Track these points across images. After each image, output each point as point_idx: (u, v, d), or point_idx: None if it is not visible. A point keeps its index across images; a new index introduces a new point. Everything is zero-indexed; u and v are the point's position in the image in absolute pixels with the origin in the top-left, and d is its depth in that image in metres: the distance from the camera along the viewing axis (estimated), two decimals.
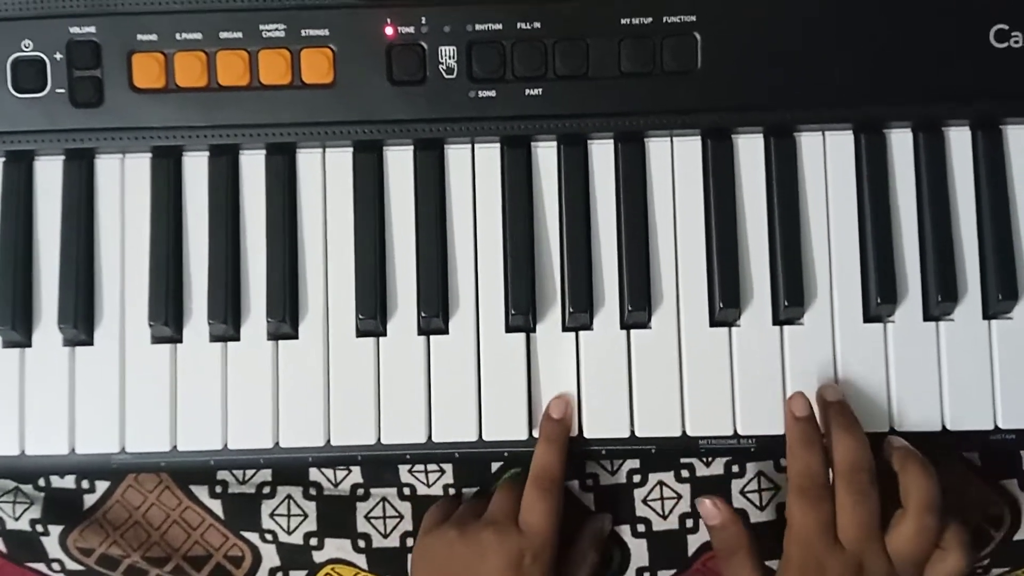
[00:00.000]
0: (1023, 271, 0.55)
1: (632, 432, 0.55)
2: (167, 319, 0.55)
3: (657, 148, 0.56)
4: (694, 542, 0.59)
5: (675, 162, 0.56)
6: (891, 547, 0.50)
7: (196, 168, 0.56)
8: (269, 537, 0.60)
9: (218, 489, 0.60)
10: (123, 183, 0.57)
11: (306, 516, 0.60)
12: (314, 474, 0.60)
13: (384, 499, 0.60)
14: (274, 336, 0.55)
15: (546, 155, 0.56)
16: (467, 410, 0.55)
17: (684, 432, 0.55)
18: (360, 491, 0.60)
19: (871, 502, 0.50)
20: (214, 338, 0.56)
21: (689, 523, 0.59)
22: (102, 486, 0.61)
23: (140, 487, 0.60)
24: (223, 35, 0.55)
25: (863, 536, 0.50)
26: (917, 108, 0.55)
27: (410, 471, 0.60)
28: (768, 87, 0.54)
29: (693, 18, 0.54)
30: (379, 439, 0.55)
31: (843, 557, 0.50)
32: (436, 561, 0.54)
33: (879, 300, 0.54)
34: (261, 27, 0.54)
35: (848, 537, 0.50)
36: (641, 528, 0.59)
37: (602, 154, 0.56)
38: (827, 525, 0.50)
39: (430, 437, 0.55)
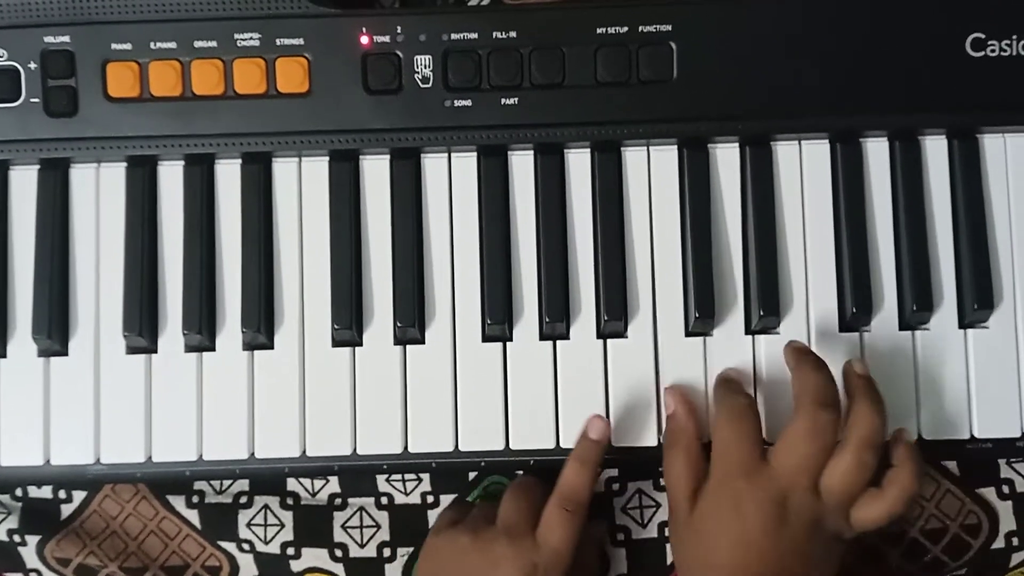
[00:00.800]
0: (998, 280, 0.55)
1: (610, 442, 0.55)
2: (141, 329, 0.55)
3: (633, 157, 0.56)
4: None
5: (651, 171, 0.56)
6: (823, 481, 0.49)
7: (171, 177, 0.56)
8: (246, 547, 0.60)
9: (195, 499, 0.60)
10: (98, 192, 0.56)
11: (283, 525, 0.59)
12: (291, 484, 0.60)
13: (361, 508, 0.60)
14: (250, 346, 0.55)
15: (522, 164, 0.56)
16: (443, 420, 0.55)
17: (661, 442, 0.55)
18: (337, 500, 0.60)
19: (865, 473, 0.49)
20: (189, 348, 0.55)
21: (668, 531, 0.59)
22: (79, 496, 0.60)
23: (117, 497, 0.60)
24: (197, 44, 0.54)
25: (804, 469, 0.49)
26: (893, 118, 0.55)
27: (387, 480, 0.60)
28: (744, 97, 0.54)
29: (669, 28, 0.54)
30: (355, 450, 0.55)
31: (767, 488, 0.49)
32: (446, 565, 0.53)
33: (854, 310, 0.54)
34: (236, 36, 0.54)
35: (786, 464, 0.49)
36: (620, 536, 0.59)
37: (578, 163, 0.56)
38: (754, 441, 0.50)
39: (406, 447, 0.55)
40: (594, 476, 0.53)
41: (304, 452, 0.55)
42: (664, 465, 0.53)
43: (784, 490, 0.49)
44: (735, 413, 0.51)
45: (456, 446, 0.55)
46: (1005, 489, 0.58)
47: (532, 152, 0.56)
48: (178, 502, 0.60)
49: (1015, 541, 0.58)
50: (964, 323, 0.55)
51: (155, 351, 0.56)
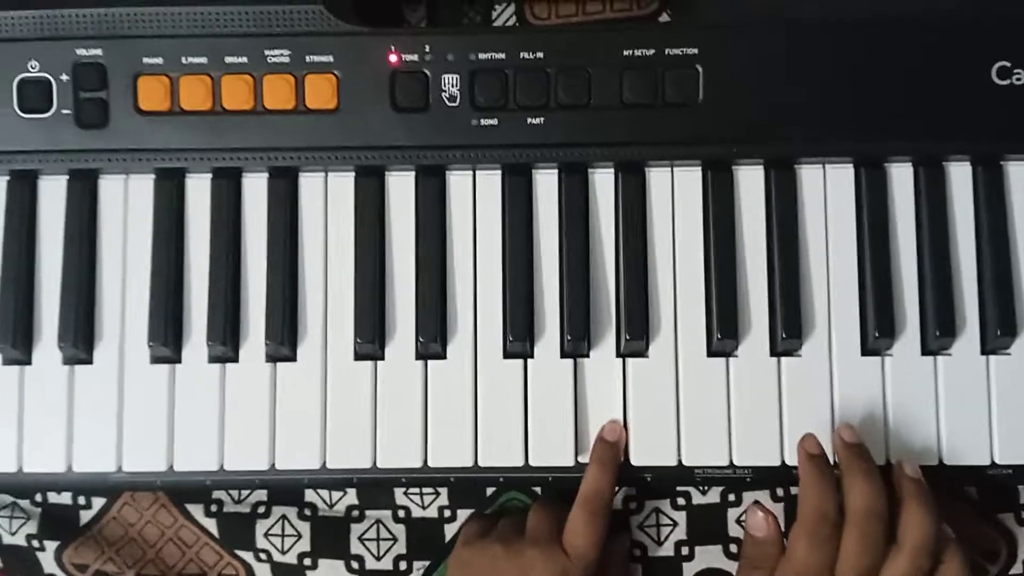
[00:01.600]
0: (1022, 307, 0.55)
1: (628, 461, 0.55)
2: (166, 339, 0.55)
3: (658, 178, 0.56)
4: (689, 569, 0.59)
5: (675, 192, 0.56)
6: (837, 568, 0.50)
7: (199, 190, 0.57)
8: (263, 556, 0.60)
9: (213, 508, 0.60)
10: (126, 204, 0.57)
11: (300, 536, 0.60)
12: (309, 495, 0.60)
13: (379, 521, 0.60)
14: (273, 358, 0.56)
15: (547, 182, 0.56)
16: (463, 436, 0.55)
17: (680, 462, 0.55)
18: (355, 512, 0.60)
19: (878, 551, 0.50)
20: (213, 359, 0.56)
21: (684, 551, 0.59)
22: (98, 502, 0.61)
23: (136, 504, 0.61)
24: (228, 59, 0.55)
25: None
26: (918, 144, 0.55)
27: (405, 493, 0.60)
28: (769, 121, 0.55)
29: (695, 51, 0.54)
30: (375, 463, 0.55)
31: None
32: (478, 574, 0.54)
33: (877, 334, 0.54)
34: (266, 52, 0.55)
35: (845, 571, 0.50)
36: (637, 552, 0.59)
37: (603, 183, 0.56)
38: (829, 566, 0.50)
39: (426, 462, 0.55)
40: (614, 477, 0.53)
41: (324, 464, 0.55)
42: None
43: None
44: (819, 538, 0.50)
45: (475, 461, 0.55)
46: None
47: (557, 171, 0.56)
48: (196, 511, 0.60)
49: None
50: (986, 349, 0.55)
51: (179, 361, 0.56)
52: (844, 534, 0.50)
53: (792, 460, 0.54)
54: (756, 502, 0.54)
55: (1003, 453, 0.54)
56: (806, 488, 0.51)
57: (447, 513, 0.60)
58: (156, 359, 0.56)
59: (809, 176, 0.56)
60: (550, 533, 0.53)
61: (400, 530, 0.60)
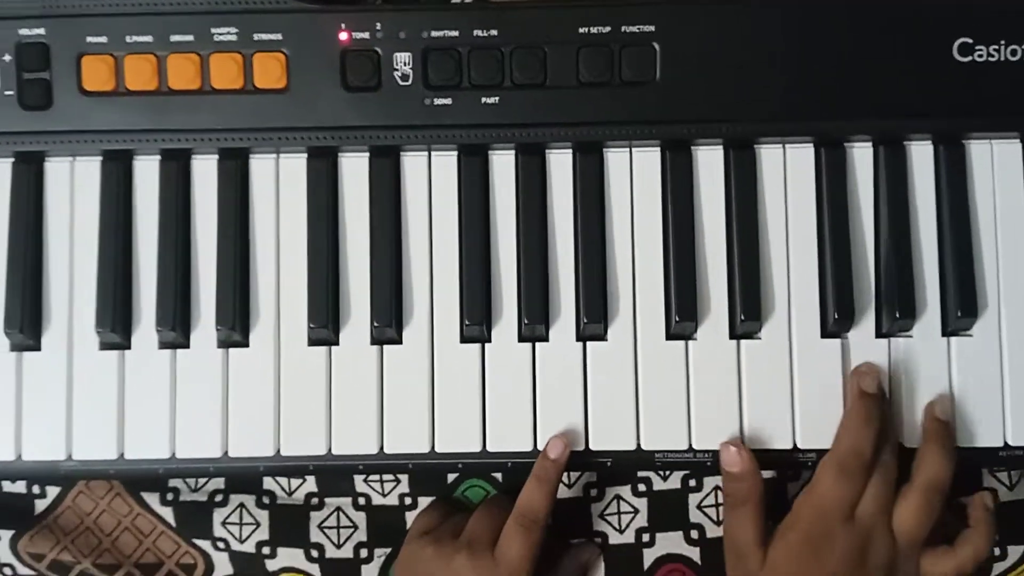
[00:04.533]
0: (983, 288, 0.54)
1: (587, 446, 0.54)
2: (115, 325, 0.54)
3: (616, 159, 0.55)
4: (649, 555, 0.58)
5: (634, 173, 0.55)
6: (894, 521, 0.50)
7: (147, 172, 0.55)
8: (221, 545, 0.59)
9: (169, 496, 0.59)
10: (73, 187, 0.56)
11: (259, 525, 0.59)
12: (268, 482, 0.60)
13: (339, 509, 0.60)
14: (224, 344, 0.55)
15: (503, 163, 0.55)
16: (420, 421, 0.54)
17: (639, 446, 0.54)
18: (314, 500, 0.60)
19: (932, 515, 0.50)
20: (163, 345, 0.55)
21: (645, 537, 0.58)
22: (53, 491, 0.60)
23: (91, 493, 0.60)
24: (174, 38, 0.54)
25: (881, 521, 0.50)
26: (878, 123, 0.54)
27: (365, 481, 0.59)
28: (728, 100, 0.54)
29: (652, 28, 0.53)
30: (330, 450, 0.54)
31: (854, 531, 0.50)
32: (412, 573, 0.54)
33: (836, 316, 0.53)
34: (213, 30, 0.54)
35: (866, 513, 0.50)
36: (598, 541, 0.59)
37: (560, 164, 0.55)
38: (852, 503, 0.50)
39: (382, 448, 0.54)
40: (552, 494, 0.53)
41: (278, 452, 0.54)
42: (728, 523, 0.53)
43: (866, 536, 0.50)
44: (849, 473, 0.50)
45: (432, 447, 0.54)
46: None
47: (513, 152, 0.55)
48: (152, 499, 0.59)
49: (997, 551, 0.58)
50: (947, 331, 0.54)
51: (128, 347, 0.55)
52: (904, 493, 0.50)
53: (752, 445, 0.53)
54: (726, 441, 0.53)
55: (964, 436, 0.54)
56: (851, 424, 0.51)
57: (408, 500, 0.60)
58: (105, 345, 0.55)
59: (769, 156, 0.55)
60: (486, 539, 0.53)
61: (360, 518, 0.59)
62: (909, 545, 0.50)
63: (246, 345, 0.55)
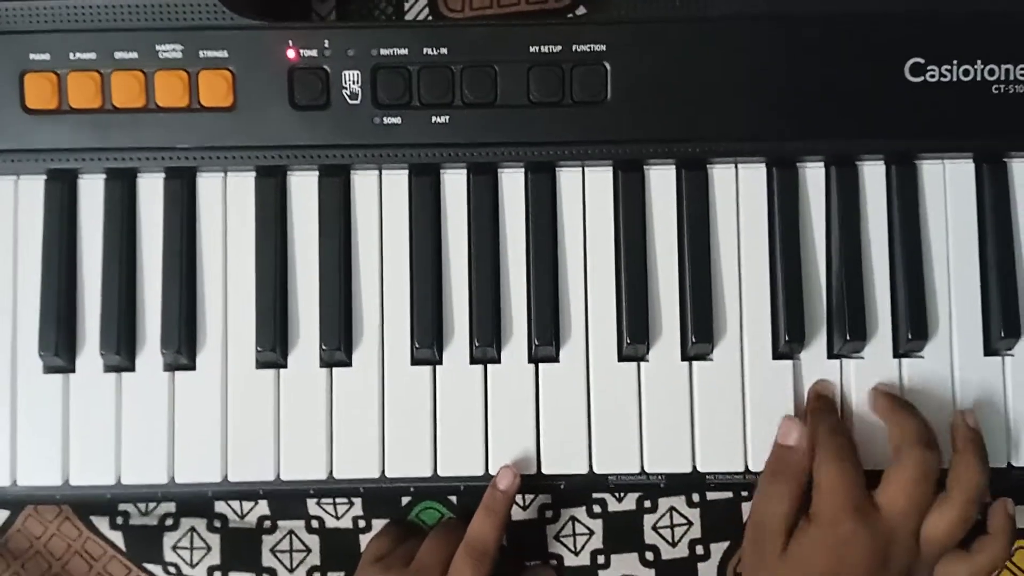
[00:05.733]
0: (934, 310, 0.54)
1: (539, 469, 0.54)
2: (58, 348, 0.53)
3: (568, 178, 0.55)
4: None
5: (586, 193, 0.55)
6: (925, 530, 0.49)
7: (92, 191, 0.55)
8: (172, 570, 0.58)
9: (119, 520, 0.59)
10: (16, 206, 0.55)
11: (210, 549, 0.58)
12: (220, 505, 0.59)
13: (291, 532, 0.59)
14: (171, 367, 0.54)
15: (455, 182, 0.55)
16: (370, 445, 0.54)
17: (592, 469, 0.53)
18: (267, 523, 0.59)
19: (967, 528, 0.49)
20: (108, 368, 0.54)
21: (600, 559, 0.58)
22: (2, 515, 0.59)
23: (40, 517, 0.59)
24: (118, 55, 0.53)
25: (911, 513, 0.48)
26: (830, 142, 0.54)
27: (318, 503, 0.59)
28: (680, 119, 0.53)
29: (603, 48, 0.53)
30: (278, 475, 0.53)
31: (879, 531, 0.48)
32: None
33: (787, 338, 0.53)
34: (158, 47, 0.53)
35: (895, 507, 0.48)
36: (553, 563, 0.58)
37: (512, 183, 0.55)
38: (861, 483, 0.49)
39: (331, 474, 0.53)
40: (502, 526, 0.52)
41: (226, 477, 0.53)
42: (761, 496, 0.51)
43: (891, 533, 0.48)
44: (842, 452, 0.49)
45: (383, 472, 0.53)
46: None
47: (465, 170, 0.55)
48: (102, 523, 0.59)
49: None
50: (899, 352, 0.54)
51: (73, 371, 0.54)
52: (944, 505, 0.49)
53: (704, 467, 0.53)
54: (788, 416, 0.53)
55: None
56: (903, 417, 0.50)
57: (362, 523, 0.59)
58: (49, 368, 0.54)
59: (721, 176, 0.55)
60: (436, 569, 0.52)
61: (314, 541, 0.59)
62: (936, 553, 0.49)
63: (193, 368, 0.54)
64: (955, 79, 0.54)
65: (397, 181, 0.55)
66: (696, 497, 0.58)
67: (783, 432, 0.52)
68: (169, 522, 0.59)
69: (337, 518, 0.59)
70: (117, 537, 0.59)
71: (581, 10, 0.61)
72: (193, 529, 0.58)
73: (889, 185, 0.55)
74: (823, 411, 0.52)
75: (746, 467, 0.53)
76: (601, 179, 0.55)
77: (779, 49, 0.53)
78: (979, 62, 0.54)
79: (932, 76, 0.54)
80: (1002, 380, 0.54)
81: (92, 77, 0.53)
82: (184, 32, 0.53)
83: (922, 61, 0.54)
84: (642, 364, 0.54)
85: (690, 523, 0.58)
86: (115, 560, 0.59)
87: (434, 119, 0.53)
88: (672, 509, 0.58)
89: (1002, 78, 0.54)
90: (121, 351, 0.53)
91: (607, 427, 0.54)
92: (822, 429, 0.51)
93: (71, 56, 0.53)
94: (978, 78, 0.54)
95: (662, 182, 0.55)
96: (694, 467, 0.53)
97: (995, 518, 0.51)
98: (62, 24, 0.53)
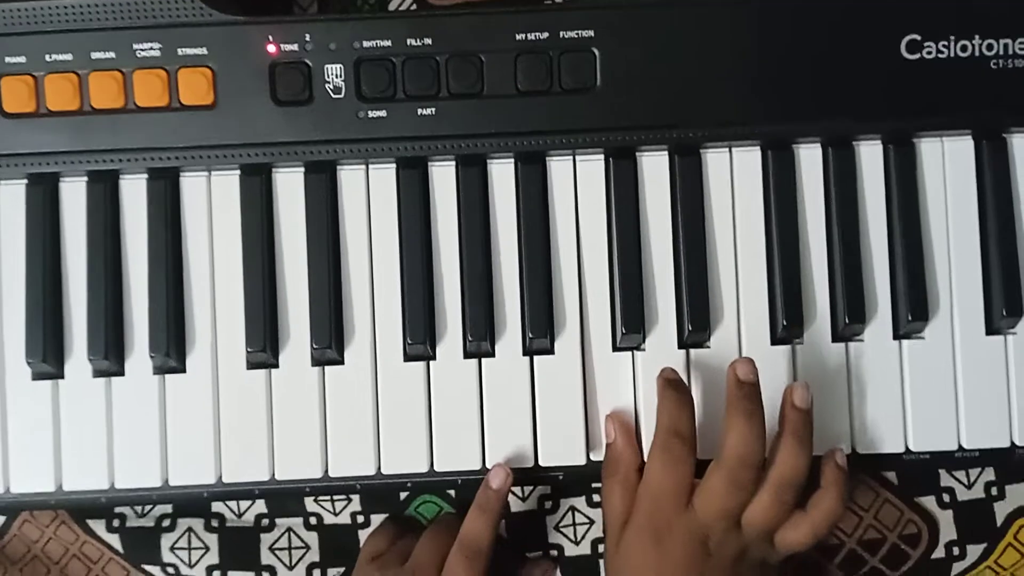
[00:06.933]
0: (934, 290, 0.53)
1: (537, 462, 0.53)
2: (46, 355, 0.52)
3: (559, 168, 0.54)
4: None
5: (577, 182, 0.54)
6: (744, 516, 0.49)
7: (74, 194, 0.54)
8: (171, 570, 0.58)
9: (115, 523, 0.58)
10: None
11: (208, 549, 0.58)
12: (217, 505, 0.58)
13: (289, 529, 0.58)
14: (160, 370, 0.53)
15: (443, 175, 0.54)
16: (365, 443, 0.53)
17: (589, 460, 0.53)
18: (265, 521, 0.59)
19: (785, 510, 0.49)
20: (97, 373, 0.53)
21: (601, 548, 0.58)
22: None
23: (36, 522, 0.59)
24: (95, 55, 0.52)
25: (725, 515, 0.49)
26: (826, 123, 0.53)
27: (316, 500, 0.58)
28: (672, 105, 0.52)
29: (591, 34, 0.52)
30: (273, 475, 0.53)
31: (692, 522, 0.49)
32: None
33: (785, 322, 0.52)
34: (135, 46, 0.52)
35: (708, 509, 0.49)
36: (554, 553, 0.58)
37: (502, 174, 0.54)
38: (684, 485, 0.49)
39: (327, 472, 0.53)
40: (495, 524, 0.52)
41: (220, 479, 0.53)
42: (602, 493, 0.53)
43: (705, 529, 0.49)
44: (670, 455, 0.49)
45: (379, 469, 0.53)
46: (946, 498, 0.57)
47: (453, 163, 0.54)
48: (98, 526, 0.58)
49: (956, 551, 0.57)
50: (899, 334, 0.53)
51: (62, 376, 0.53)
52: (761, 488, 0.48)
53: (704, 455, 0.52)
54: (610, 413, 0.52)
55: (918, 440, 0.53)
56: (735, 426, 0.49)
57: (360, 519, 0.58)
58: (37, 375, 0.53)
59: (715, 160, 0.54)
60: (432, 567, 0.52)
61: (312, 538, 0.58)
62: (760, 535, 0.49)
63: (183, 371, 0.53)
64: (952, 55, 0.53)
65: (384, 175, 0.54)
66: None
67: (606, 430, 0.52)
68: (166, 523, 0.58)
69: (335, 514, 0.58)
70: (114, 539, 0.58)
71: None
72: (190, 529, 0.58)
73: (887, 164, 0.54)
74: (665, 403, 0.51)
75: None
76: (593, 168, 0.54)
77: (771, 30, 0.52)
78: (976, 37, 0.53)
79: (929, 53, 0.53)
80: (1004, 359, 0.53)
81: (69, 79, 0.52)
82: (162, 30, 0.52)
83: (918, 38, 0.53)
84: (638, 353, 0.53)
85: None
86: (113, 562, 0.58)
87: (420, 111, 0.52)
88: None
89: (1000, 52, 0.53)
90: (109, 356, 0.52)
91: (603, 418, 0.53)
92: (659, 422, 0.50)
93: (47, 58, 0.52)
94: (976, 53, 0.53)
95: (655, 169, 0.54)
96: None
97: (826, 471, 0.50)
98: (37, 25, 0.52)
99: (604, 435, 0.53)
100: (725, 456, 0.49)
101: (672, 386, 0.51)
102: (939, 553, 0.57)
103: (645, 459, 0.52)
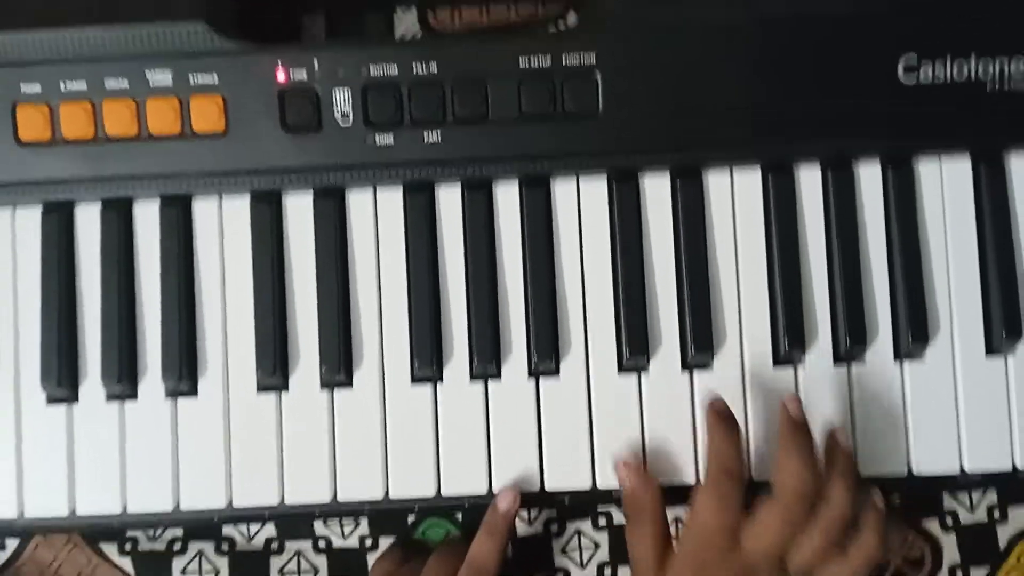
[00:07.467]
0: (934, 311, 0.54)
1: (543, 486, 0.53)
2: (60, 379, 0.53)
3: (563, 190, 0.55)
4: None
5: (581, 204, 0.55)
6: (791, 556, 0.48)
7: (89, 221, 0.55)
8: None
9: (128, 546, 0.59)
10: (13, 238, 0.55)
11: (218, 572, 0.58)
12: (227, 528, 0.59)
13: (299, 553, 0.59)
14: (172, 394, 0.54)
15: (450, 198, 0.55)
16: (373, 466, 0.53)
17: (595, 484, 0.53)
18: (274, 545, 0.59)
19: (834, 551, 0.48)
20: (111, 397, 0.54)
21: (607, 572, 0.58)
22: (12, 544, 0.59)
23: (50, 545, 0.59)
24: (109, 83, 0.53)
25: (774, 552, 0.48)
26: (825, 145, 0.54)
27: (324, 523, 0.59)
28: (673, 128, 0.53)
29: (593, 59, 0.52)
30: (283, 500, 0.53)
31: (739, 563, 0.48)
32: None
33: (787, 345, 0.53)
34: (147, 74, 0.53)
35: (757, 547, 0.48)
36: None
37: (507, 196, 0.55)
38: (733, 524, 0.49)
39: (335, 496, 0.53)
40: (502, 547, 0.52)
41: (230, 503, 0.53)
42: (628, 539, 0.52)
43: (751, 569, 0.48)
44: (721, 493, 0.49)
45: (387, 494, 0.53)
46: (949, 521, 0.57)
47: (459, 187, 0.54)
48: (111, 549, 0.59)
49: (959, 574, 0.57)
50: (900, 355, 0.54)
51: (76, 400, 0.54)
52: (768, 506, 0.48)
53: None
54: (620, 460, 0.53)
55: (920, 462, 0.53)
56: (715, 444, 0.50)
57: (368, 542, 0.59)
58: (52, 399, 0.54)
59: (716, 183, 0.54)
60: None
61: (321, 561, 0.59)
62: (804, 571, 0.48)
63: (195, 394, 0.54)
64: (950, 77, 0.54)
65: (392, 199, 0.55)
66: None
67: (619, 477, 0.52)
68: (177, 546, 0.58)
69: (344, 537, 0.59)
70: (126, 563, 0.58)
71: (572, 19, 0.60)
72: (201, 553, 0.58)
73: (886, 186, 0.54)
74: (714, 439, 0.51)
75: (750, 476, 0.52)
76: (596, 190, 0.54)
77: (770, 52, 0.53)
78: (974, 58, 0.53)
79: (926, 75, 0.53)
80: (1005, 380, 0.54)
81: (84, 107, 0.53)
82: (173, 59, 0.53)
83: (915, 60, 0.53)
84: (642, 375, 0.54)
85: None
86: None
87: (426, 137, 0.53)
88: (677, 520, 0.57)
89: (998, 74, 0.53)
90: (123, 380, 0.53)
91: (609, 440, 0.53)
92: (709, 459, 0.50)
93: (62, 87, 0.53)
94: (973, 75, 0.53)
95: (657, 191, 0.54)
96: (697, 478, 0.53)
97: (864, 513, 0.50)
98: (52, 54, 0.53)
99: (619, 479, 0.52)
100: (780, 493, 0.48)
101: (721, 420, 0.50)
102: (943, 575, 0.57)
103: (650, 486, 0.52)
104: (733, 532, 0.49)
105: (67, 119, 0.53)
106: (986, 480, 0.54)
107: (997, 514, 0.57)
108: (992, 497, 0.57)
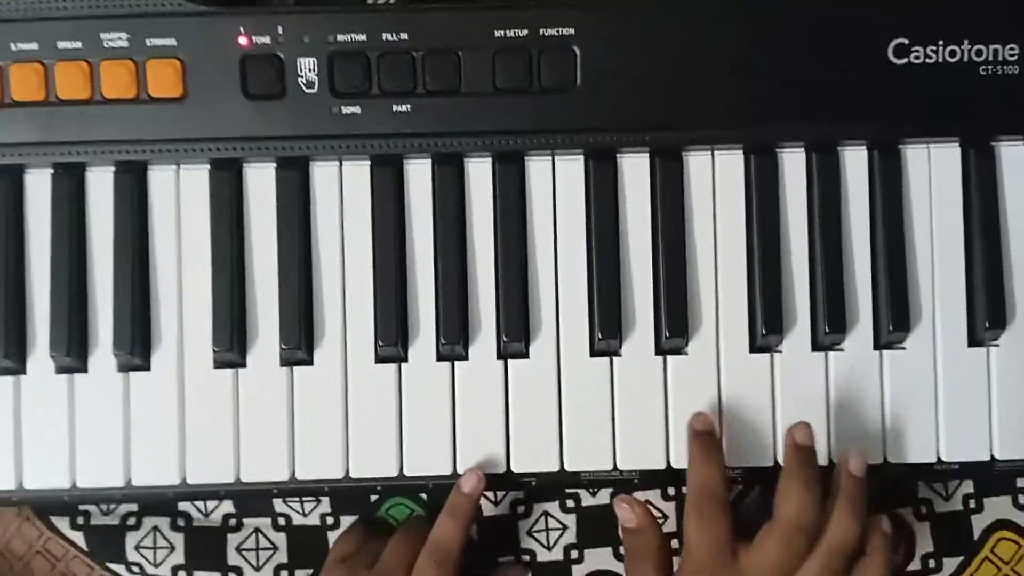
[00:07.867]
0: (916, 300, 0.53)
1: (509, 468, 0.52)
2: (7, 351, 0.51)
3: (537, 168, 0.53)
4: (578, 572, 0.57)
5: (556, 183, 0.53)
6: (747, 560, 0.48)
7: (38, 188, 0.52)
8: (136, 570, 0.57)
9: (80, 520, 0.57)
10: None
11: (173, 548, 0.57)
12: (183, 504, 0.57)
13: (257, 530, 0.57)
14: (124, 368, 0.52)
15: (419, 173, 0.53)
16: (334, 445, 0.52)
17: (563, 467, 0.52)
18: (232, 521, 0.58)
19: (793, 558, 0.48)
20: (60, 369, 0.52)
21: (574, 554, 0.57)
22: None
23: None
24: (61, 45, 0.50)
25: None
26: (810, 128, 0.52)
27: (284, 501, 0.57)
28: (653, 106, 0.51)
29: (571, 32, 0.50)
30: (238, 477, 0.52)
31: None
32: None
33: (764, 331, 0.51)
34: (102, 35, 0.50)
35: (757, 573, 0.48)
36: (527, 559, 0.57)
37: (479, 173, 0.53)
38: (723, 543, 0.48)
39: (294, 474, 0.52)
40: (465, 529, 0.51)
41: (184, 480, 0.52)
42: (628, 574, 0.52)
43: None
44: (703, 515, 0.49)
45: (347, 472, 0.52)
46: (923, 509, 0.57)
47: (429, 162, 0.52)
48: (62, 523, 0.57)
49: (932, 563, 0.57)
50: (880, 344, 0.52)
51: (24, 372, 0.52)
52: (812, 556, 0.47)
53: (678, 463, 0.52)
54: (621, 496, 0.52)
55: (895, 452, 0.52)
56: (693, 464, 0.50)
57: (329, 520, 0.57)
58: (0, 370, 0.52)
59: (697, 164, 0.53)
60: (398, 569, 0.51)
61: (280, 539, 0.57)
62: None
63: (148, 369, 0.52)
64: (941, 60, 0.52)
65: (358, 173, 0.53)
66: (672, 490, 0.56)
67: (622, 517, 0.52)
68: (131, 521, 0.57)
69: (304, 515, 0.57)
70: (78, 537, 0.57)
71: None
72: (156, 528, 0.57)
73: (872, 171, 0.53)
74: (694, 460, 0.50)
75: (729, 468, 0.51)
76: (572, 169, 0.53)
77: (755, 31, 0.51)
78: (966, 42, 0.52)
79: (917, 57, 0.52)
80: (986, 372, 0.53)
81: (35, 68, 0.50)
82: (130, 20, 0.50)
83: (906, 42, 0.52)
84: (615, 359, 0.52)
85: (665, 516, 0.57)
86: (77, 559, 0.57)
87: (395, 108, 0.51)
88: (648, 502, 0.56)
89: (990, 59, 0.52)
90: (72, 352, 0.51)
91: (579, 424, 0.52)
92: (689, 480, 0.50)
93: (12, 47, 0.50)
94: (965, 59, 0.52)
95: (635, 171, 0.53)
96: (668, 463, 0.52)
97: (872, 538, 0.50)
98: (3, 14, 0.50)
99: (622, 519, 0.52)
100: (780, 520, 0.48)
101: (700, 441, 0.50)
102: (915, 565, 0.57)
103: (655, 525, 0.51)
104: (725, 551, 0.48)
105: (17, 81, 0.51)
106: (963, 470, 0.53)
107: (972, 504, 0.56)
108: (968, 487, 0.56)
